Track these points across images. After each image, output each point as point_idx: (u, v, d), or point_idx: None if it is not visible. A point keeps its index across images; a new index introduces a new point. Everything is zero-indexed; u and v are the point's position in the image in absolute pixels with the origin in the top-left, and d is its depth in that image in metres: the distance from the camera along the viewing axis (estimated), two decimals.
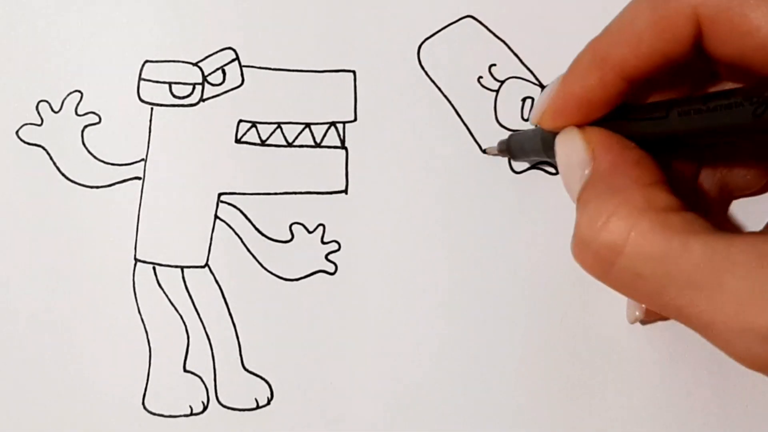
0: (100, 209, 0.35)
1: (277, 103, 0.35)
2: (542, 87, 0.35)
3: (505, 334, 0.34)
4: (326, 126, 0.35)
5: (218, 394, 0.35)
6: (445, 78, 0.35)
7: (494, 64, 0.35)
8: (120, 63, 0.35)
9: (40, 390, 0.34)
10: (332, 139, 0.35)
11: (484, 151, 0.35)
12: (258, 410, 0.34)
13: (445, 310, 0.34)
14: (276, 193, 0.35)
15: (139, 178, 0.35)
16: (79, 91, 0.35)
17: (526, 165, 0.35)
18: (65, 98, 0.35)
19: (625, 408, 0.34)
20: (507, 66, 0.35)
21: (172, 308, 0.35)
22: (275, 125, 0.35)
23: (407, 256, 0.34)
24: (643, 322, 0.33)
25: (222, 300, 0.35)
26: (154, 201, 0.35)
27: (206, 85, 0.35)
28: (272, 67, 0.35)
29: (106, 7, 0.35)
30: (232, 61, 0.35)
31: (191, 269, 0.35)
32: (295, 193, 0.35)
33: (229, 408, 0.34)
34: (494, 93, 0.35)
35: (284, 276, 0.35)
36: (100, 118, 0.35)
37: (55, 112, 0.35)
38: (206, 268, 0.35)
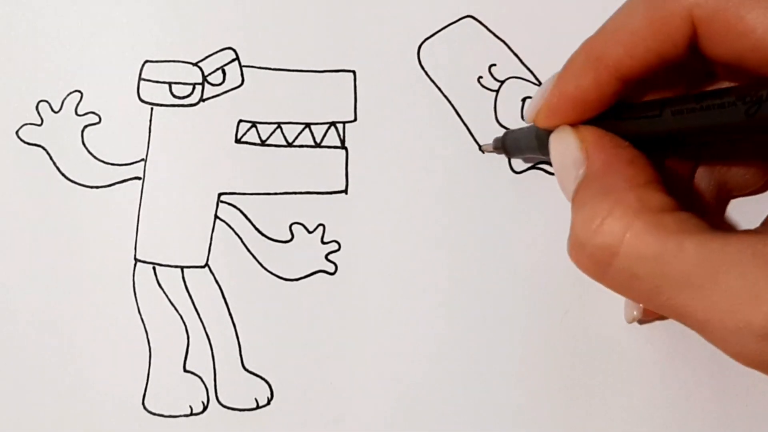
0: (100, 209, 0.35)
1: (277, 103, 0.35)
2: None
3: (504, 334, 0.34)
4: (326, 126, 0.35)
5: (218, 394, 0.35)
6: (445, 78, 0.35)
7: (494, 64, 0.35)
8: (120, 63, 0.35)
9: (40, 390, 0.34)
10: (332, 139, 0.35)
11: (481, 149, 0.35)
12: (258, 410, 0.34)
13: (445, 310, 0.34)
14: (276, 193, 0.35)
15: (139, 178, 0.35)
16: (79, 91, 0.35)
17: (526, 165, 0.35)
18: (65, 98, 0.35)
19: (625, 408, 0.34)
20: (507, 66, 0.35)
21: (172, 308, 0.35)
22: (275, 125, 0.35)
23: (407, 256, 0.35)
24: (641, 321, 0.34)
25: (222, 300, 0.35)
26: (154, 201, 0.35)
27: (206, 85, 0.35)
28: (272, 67, 0.35)
29: (106, 7, 0.35)
30: (232, 61, 0.35)
31: (191, 269, 0.35)
32: (295, 193, 0.35)
33: (229, 408, 0.34)
34: (494, 93, 0.35)
35: (284, 276, 0.35)
36: (100, 118, 0.35)
37: (55, 112, 0.35)
38: (206, 268, 0.35)
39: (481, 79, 0.35)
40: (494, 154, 0.35)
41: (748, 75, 0.26)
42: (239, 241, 0.35)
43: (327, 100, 0.35)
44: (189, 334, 0.35)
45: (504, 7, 0.35)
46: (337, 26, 0.35)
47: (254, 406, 0.34)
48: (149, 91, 0.35)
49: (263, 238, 0.35)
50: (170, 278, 0.35)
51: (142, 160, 0.35)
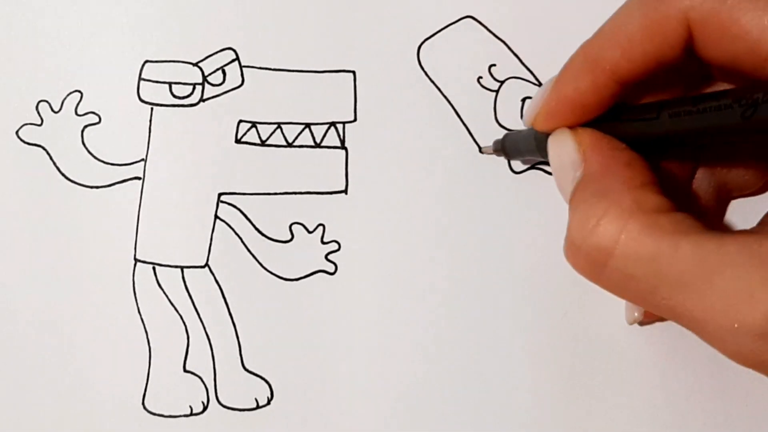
0: (100, 209, 0.35)
1: (277, 103, 0.35)
2: None
3: (504, 334, 0.34)
4: (326, 126, 0.35)
5: (218, 394, 0.35)
6: (444, 78, 0.35)
7: (494, 64, 0.35)
8: (120, 63, 0.35)
9: (40, 390, 0.34)
10: (332, 139, 0.35)
11: (480, 150, 0.35)
12: (258, 410, 0.34)
13: (445, 310, 0.34)
14: (276, 193, 0.35)
15: (139, 178, 0.35)
16: (79, 91, 0.35)
17: (526, 165, 0.35)
18: (65, 98, 0.35)
19: (625, 408, 0.34)
20: (507, 66, 0.35)
21: (172, 308, 0.35)
22: (275, 125, 0.35)
23: (407, 256, 0.35)
24: (642, 323, 0.34)
25: (222, 300, 0.35)
26: (154, 201, 0.35)
27: (206, 85, 0.35)
28: (272, 67, 0.35)
29: (106, 7, 0.35)
30: (232, 61, 0.35)
31: (191, 269, 0.35)
32: (295, 193, 0.35)
33: (229, 408, 0.34)
34: (494, 93, 0.35)
35: (284, 276, 0.35)
36: (100, 118, 0.35)
37: (55, 112, 0.35)
38: (206, 268, 0.35)
39: (480, 80, 0.35)
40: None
41: (744, 77, 0.26)
42: (239, 241, 0.35)
43: (327, 101, 0.35)
44: (189, 334, 0.35)
45: (504, 7, 0.35)
46: (337, 26, 0.35)
47: (254, 406, 0.34)
48: (149, 91, 0.35)
49: (263, 238, 0.35)
50: (170, 278, 0.35)
51: (142, 160, 0.35)
